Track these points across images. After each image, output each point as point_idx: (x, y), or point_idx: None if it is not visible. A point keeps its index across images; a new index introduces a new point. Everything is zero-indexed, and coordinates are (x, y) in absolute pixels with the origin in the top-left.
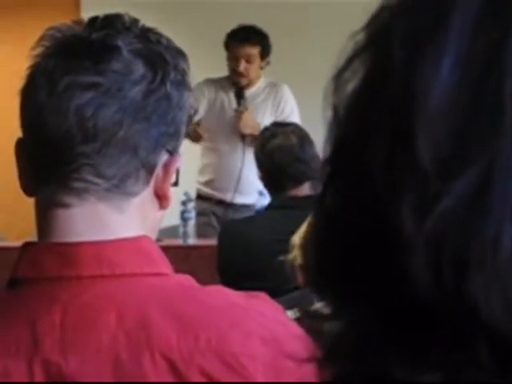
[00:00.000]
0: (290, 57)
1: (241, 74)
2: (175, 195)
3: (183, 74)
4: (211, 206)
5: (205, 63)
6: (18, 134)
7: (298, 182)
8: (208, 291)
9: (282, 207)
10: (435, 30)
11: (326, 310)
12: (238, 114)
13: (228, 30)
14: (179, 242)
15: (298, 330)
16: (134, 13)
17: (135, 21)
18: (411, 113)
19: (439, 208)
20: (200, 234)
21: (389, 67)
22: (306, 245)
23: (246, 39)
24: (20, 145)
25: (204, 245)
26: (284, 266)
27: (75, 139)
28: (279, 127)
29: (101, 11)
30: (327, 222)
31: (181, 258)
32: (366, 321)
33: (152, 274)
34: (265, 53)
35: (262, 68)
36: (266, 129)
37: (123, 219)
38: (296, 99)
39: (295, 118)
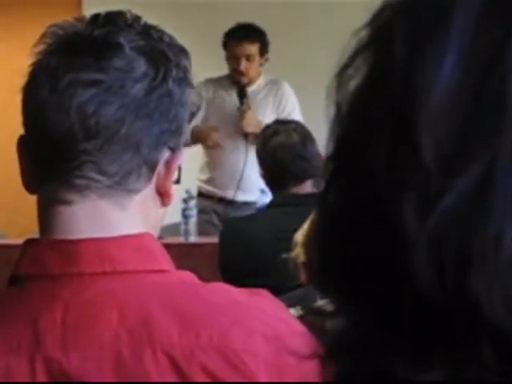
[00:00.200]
0: (290, 55)
1: (242, 73)
2: (176, 193)
3: (185, 71)
4: (212, 203)
5: (205, 62)
6: (19, 131)
7: (300, 180)
8: (210, 288)
9: (284, 205)
10: (437, 27)
11: (329, 308)
12: (241, 112)
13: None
14: (180, 239)
15: (300, 327)
16: (135, 11)
17: (137, 18)
18: (413, 110)
19: (441, 205)
20: (201, 231)
21: (391, 65)
22: (308, 242)
23: (244, 37)
24: (22, 142)
25: (205, 242)
26: (286, 263)
27: (77, 136)
28: (281, 125)
29: (102, 9)
30: (330, 219)
31: (182, 255)
32: (369, 319)
33: (154, 270)
34: (264, 50)
35: (261, 65)
36: (268, 126)
37: (125, 216)
38: (296, 97)
39: (297, 115)
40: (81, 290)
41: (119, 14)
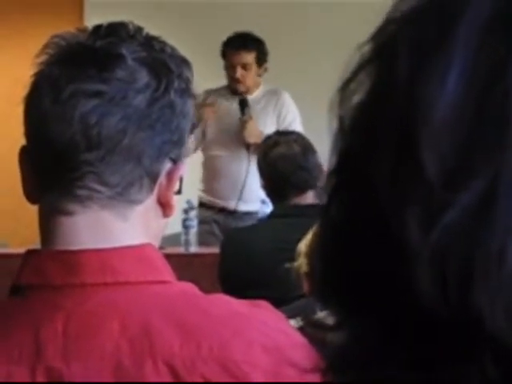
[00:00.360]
0: (291, 62)
1: (237, 81)
2: (177, 203)
3: (187, 82)
4: (213, 213)
5: (205, 72)
6: (21, 140)
7: (301, 191)
8: (211, 299)
9: (285, 216)
10: (440, 42)
11: (329, 320)
12: (243, 123)
13: (229, 33)
14: (181, 249)
15: (300, 339)
16: (136, 22)
17: (139, 29)
18: (416, 125)
19: (444, 220)
20: (202, 242)
21: (394, 79)
22: (311, 254)
23: (241, 46)
24: (24, 152)
25: (206, 253)
26: (288, 274)
27: (79, 147)
28: (282, 136)
29: (103, 19)
30: (332, 233)
31: (182, 265)
32: (371, 332)
33: (155, 281)
34: (261, 59)
35: (260, 75)
36: (269, 137)
37: (127, 227)
38: (297, 106)
39: (297, 125)
40: (82, 301)
41: (121, 25)
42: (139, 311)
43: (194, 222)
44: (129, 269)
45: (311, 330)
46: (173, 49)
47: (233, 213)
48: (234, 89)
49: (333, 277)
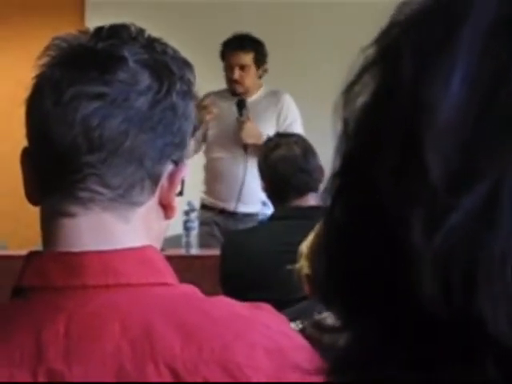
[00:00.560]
0: (292, 65)
1: (236, 82)
2: (178, 205)
3: (189, 84)
4: (214, 215)
5: (206, 75)
6: (23, 142)
7: (302, 193)
8: (212, 302)
9: (285, 218)
10: (445, 45)
11: (330, 321)
12: (240, 123)
13: (230, 34)
14: (182, 251)
15: (302, 341)
16: (137, 23)
17: (141, 31)
18: (421, 127)
19: (448, 223)
20: (203, 243)
21: (398, 82)
22: (312, 255)
23: (238, 47)
24: (25, 154)
25: (206, 255)
26: (288, 276)
27: (81, 149)
28: (282, 138)
29: (104, 20)
30: (336, 234)
31: (183, 267)
32: (372, 333)
33: (157, 283)
34: (260, 60)
35: (260, 77)
36: (270, 140)
37: (128, 229)
38: (298, 107)
39: (298, 126)
40: (84, 303)
41: (123, 27)
42: (141, 313)
43: (195, 224)
44: (130, 271)
45: (313, 331)
46: (174, 51)
47: (233, 214)
48: (232, 90)
49: (336, 277)
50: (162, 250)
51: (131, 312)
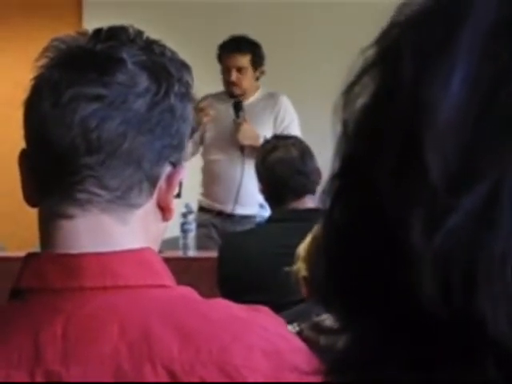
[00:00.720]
0: (290, 66)
1: (233, 84)
2: (176, 207)
3: (187, 86)
4: (211, 217)
5: (205, 77)
6: (21, 143)
7: (299, 195)
8: (210, 304)
9: (283, 220)
10: (445, 45)
11: (329, 323)
12: (237, 125)
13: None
14: (179, 253)
15: (299, 343)
16: (136, 25)
17: (140, 33)
18: (421, 127)
19: (448, 223)
20: (200, 245)
21: (398, 83)
22: (309, 258)
23: (236, 49)
24: (24, 155)
25: (204, 257)
26: (286, 278)
27: (79, 151)
28: (280, 140)
29: (103, 21)
30: (336, 235)
31: (181, 269)
32: (372, 333)
33: (155, 285)
34: (257, 62)
35: (257, 79)
36: (267, 142)
37: (126, 231)
38: (295, 109)
39: (295, 128)
40: (82, 304)
41: (122, 29)
42: (139, 315)
43: (193, 226)
44: (128, 273)
45: (311, 333)
46: (173, 53)
47: (230, 216)
48: (230, 92)
49: (336, 278)
50: (160, 251)
51: (129, 314)
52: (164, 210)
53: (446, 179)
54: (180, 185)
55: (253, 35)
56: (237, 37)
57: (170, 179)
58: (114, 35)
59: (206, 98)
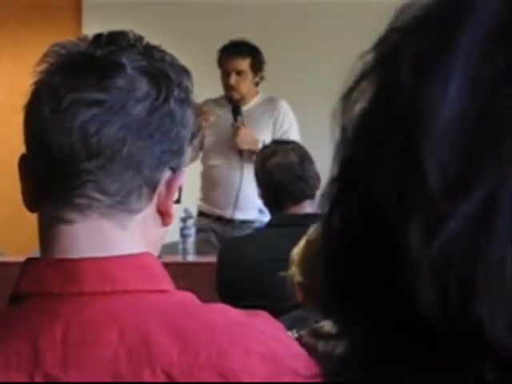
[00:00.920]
0: (291, 67)
1: (232, 87)
2: (175, 212)
3: (187, 91)
4: (210, 222)
5: (205, 82)
6: (20, 147)
7: (298, 200)
8: (209, 309)
9: (282, 225)
10: (443, 51)
11: (328, 328)
12: (235, 129)
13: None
14: (178, 258)
15: (298, 348)
16: (136, 28)
17: (140, 38)
18: (419, 133)
19: (446, 229)
20: (199, 250)
21: (397, 88)
22: (303, 262)
23: (235, 52)
24: (23, 160)
25: (203, 262)
26: (284, 283)
27: (79, 156)
28: (279, 145)
29: (101, 27)
30: (335, 239)
31: (180, 274)
32: (370, 336)
33: (154, 290)
34: (256, 66)
35: (257, 84)
36: (266, 147)
37: (126, 236)
38: (295, 114)
39: (294, 133)
40: (81, 309)
41: (122, 34)
42: (138, 320)
43: (192, 231)
44: (128, 278)
45: (310, 339)
46: (173, 58)
47: (230, 221)
48: (229, 96)
49: (334, 282)
50: (159, 256)
51: (128, 319)
52: (164, 215)
53: (444, 184)
54: (180, 190)
55: (253, 36)
56: (237, 41)
57: (169, 184)
58: (114, 40)
59: (205, 103)
